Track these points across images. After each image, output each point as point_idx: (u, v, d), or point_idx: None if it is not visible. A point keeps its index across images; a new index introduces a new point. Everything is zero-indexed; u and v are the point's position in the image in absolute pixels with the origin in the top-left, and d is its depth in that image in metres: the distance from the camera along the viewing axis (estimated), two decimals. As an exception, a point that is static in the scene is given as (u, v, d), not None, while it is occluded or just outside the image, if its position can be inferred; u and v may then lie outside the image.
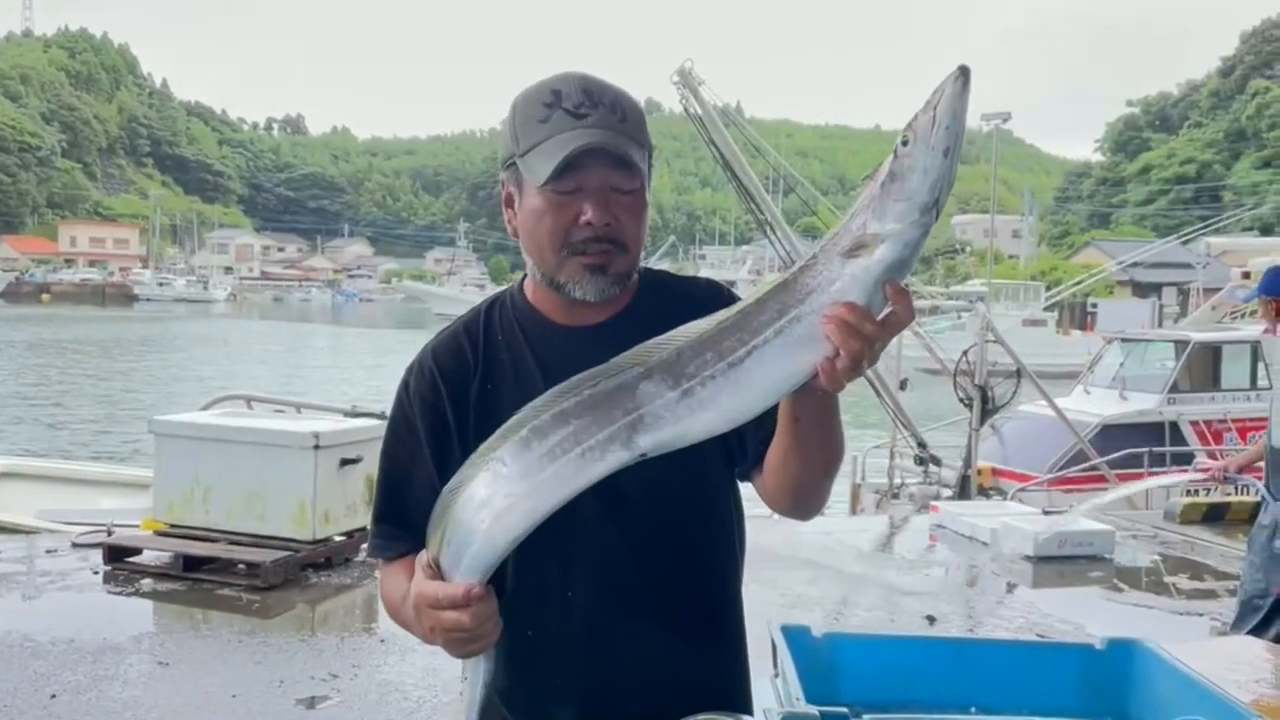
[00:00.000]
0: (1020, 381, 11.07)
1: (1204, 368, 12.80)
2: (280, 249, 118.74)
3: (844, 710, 1.41)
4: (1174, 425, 12.15)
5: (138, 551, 6.05)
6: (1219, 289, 22.16)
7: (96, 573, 5.89)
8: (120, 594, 5.64)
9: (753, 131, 12.63)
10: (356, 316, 74.62)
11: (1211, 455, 10.86)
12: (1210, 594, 6.34)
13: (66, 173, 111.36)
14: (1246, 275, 19.38)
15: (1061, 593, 6.44)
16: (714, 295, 1.54)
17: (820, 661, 1.61)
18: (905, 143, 1.10)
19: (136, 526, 6.43)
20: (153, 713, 4.13)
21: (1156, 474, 10.70)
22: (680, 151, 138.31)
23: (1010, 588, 6.55)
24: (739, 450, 1.46)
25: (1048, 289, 39.87)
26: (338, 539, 6.17)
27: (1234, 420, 12.17)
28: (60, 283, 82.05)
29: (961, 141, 1.10)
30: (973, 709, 1.57)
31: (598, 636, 1.47)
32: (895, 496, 11.11)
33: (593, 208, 1.39)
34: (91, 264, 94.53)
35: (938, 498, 10.14)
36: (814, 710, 1.38)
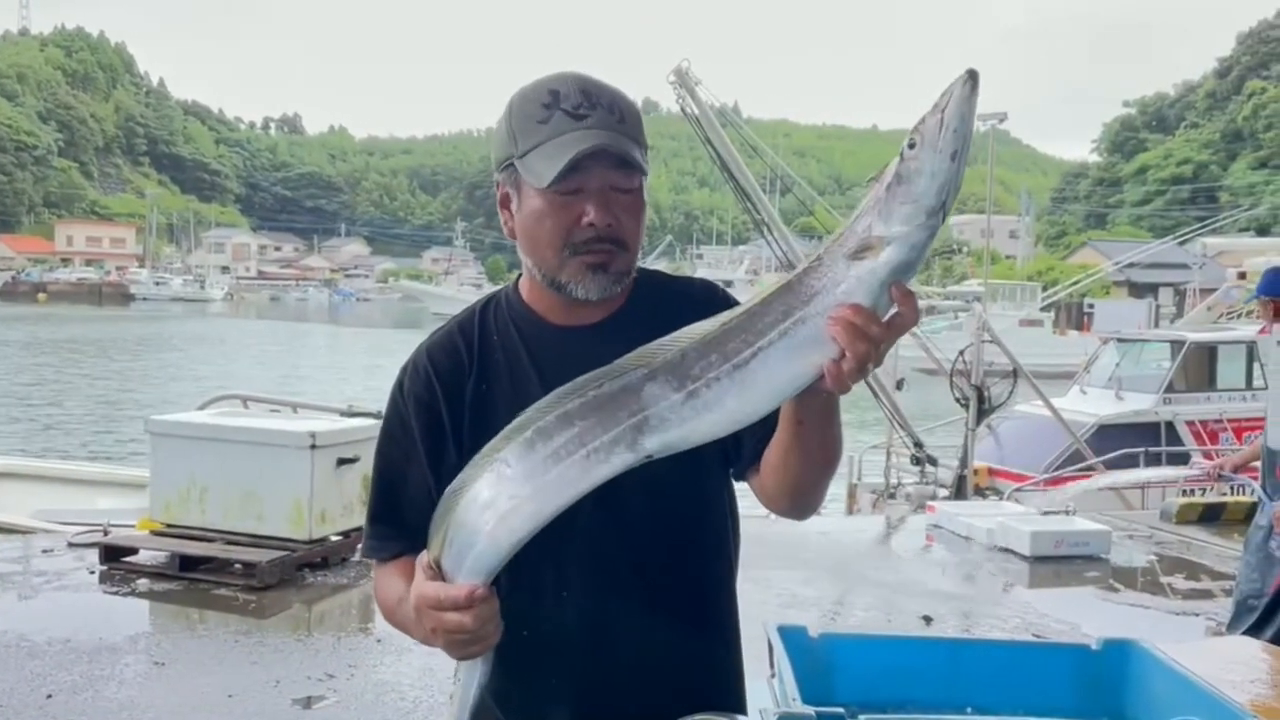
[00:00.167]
0: (1016, 381, 11.08)
1: (1199, 368, 12.82)
2: (277, 248, 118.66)
3: (840, 710, 1.41)
4: (1169, 425, 12.16)
5: (134, 551, 6.04)
6: (1215, 289, 22.20)
7: (93, 572, 5.89)
8: (116, 594, 5.63)
9: (750, 131, 12.65)
10: (353, 316, 74.55)
11: (1207, 455, 10.87)
12: (1206, 594, 6.35)
13: (63, 172, 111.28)
14: (1242, 275, 19.41)
15: (1058, 593, 6.45)
16: (709, 296, 1.54)
17: (816, 662, 1.61)
18: (912, 145, 1.10)
19: (133, 526, 6.42)
20: (149, 713, 4.12)
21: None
22: (678, 151, 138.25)
23: (1006, 588, 6.55)
24: (735, 450, 1.46)
25: (1044, 289, 39.88)
26: (334, 539, 6.16)
27: (1229, 420, 12.19)
28: (56, 282, 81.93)
29: (969, 145, 1.09)
30: (969, 709, 1.57)
31: (593, 636, 1.47)
32: (892, 496, 11.13)
33: (595, 208, 1.39)
34: (88, 263, 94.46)
35: (934, 498, 10.15)
36: (810, 711, 1.38)
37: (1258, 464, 4.80)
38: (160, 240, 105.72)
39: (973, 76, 1.08)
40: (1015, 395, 11.38)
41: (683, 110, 10.64)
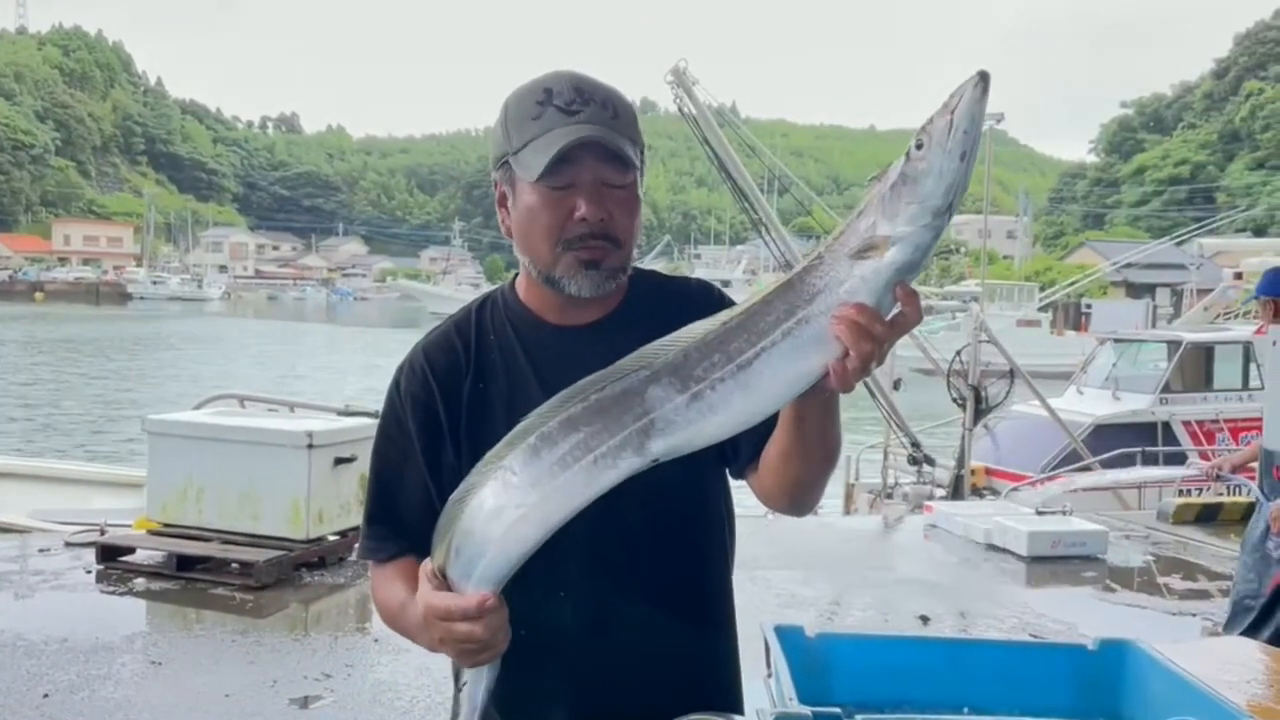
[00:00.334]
0: (1013, 382, 11.09)
1: (1196, 368, 12.83)
2: (275, 248, 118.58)
3: (837, 710, 1.41)
4: (1166, 425, 12.17)
5: (131, 551, 6.03)
6: (1212, 290, 22.22)
7: (89, 572, 5.88)
8: (113, 593, 5.62)
9: (748, 131, 12.66)
10: (351, 315, 74.50)
11: (1204, 455, 10.88)
12: (1203, 594, 6.36)
13: (60, 171, 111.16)
14: (1239, 276, 19.45)
15: (1055, 593, 6.45)
16: (706, 296, 1.54)
17: (813, 661, 1.61)
18: (920, 146, 1.09)
19: (129, 526, 6.41)
20: (145, 712, 4.12)
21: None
22: (675, 151, 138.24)
23: (1004, 588, 6.55)
24: (732, 449, 1.46)
25: (1042, 289, 39.89)
26: (331, 538, 6.16)
27: (1226, 420, 12.20)
28: (54, 281, 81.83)
29: (978, 147, 1.09)
30: (966, 709, 1.57)
31: (591, 635, 1.47)
32: (889, 496, 11.13)
33: (586, 203, 1.39)
34: (85, 262, 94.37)
35: (931, 498, 10.16)
36: (807, 710, 1.38)
37: (1256, 464, 4.81)
38: (158, 239, 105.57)
39: (984, 78, 1.07)
40: (1012, 395, 11.39)
41: (680, 110, 10.63)
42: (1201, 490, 9.43)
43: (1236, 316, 18.18)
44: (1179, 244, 34.77)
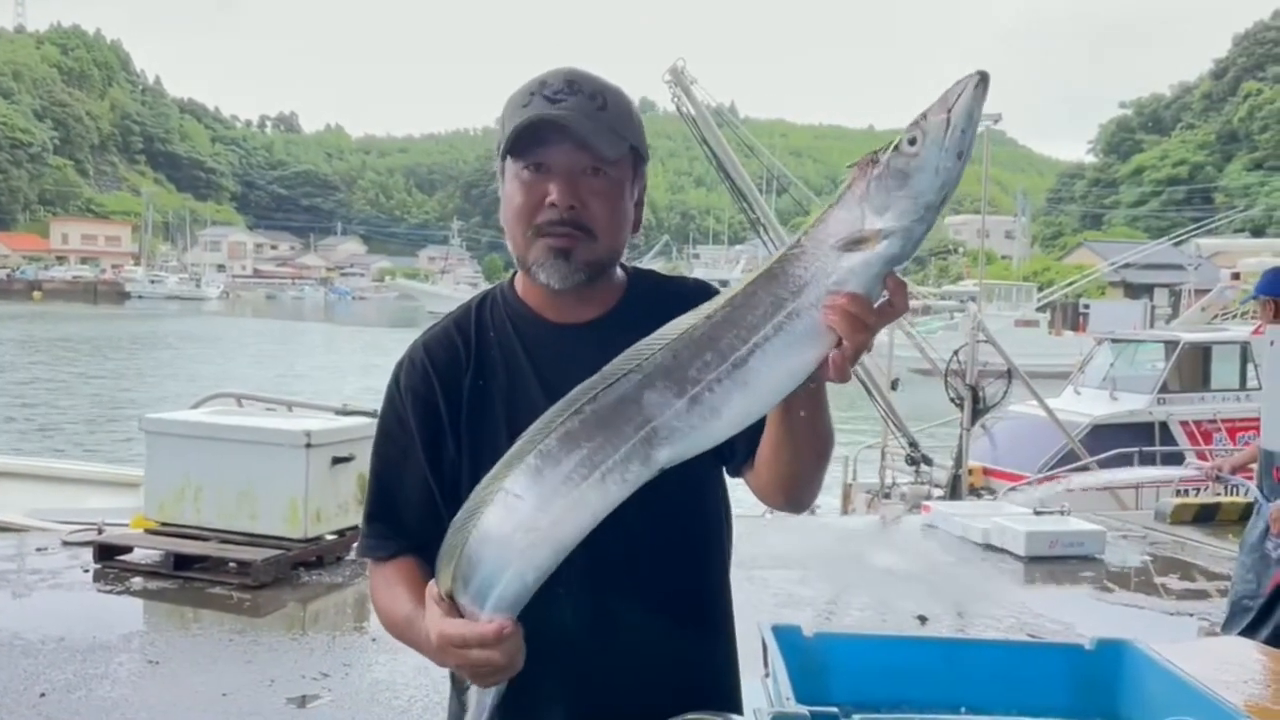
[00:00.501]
0: (1011, 382, 11.10)
1: (1194, 368, 12.84)
2: (273, 247, 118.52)
3: (834, 710, 1.41)
4: (1164, 425, 12.18)
5: (128, 550, 6.03)
6: (1210, 290, 22.24)
7: (87, 571, 5.87)
8: (110, 592, 5.62)
9: (746, 131, 12.66)
10: (349, 315, 74.49)
11: (1201, 455, 10.89)
12: (1201, 594, 6.36)
13: (58, 169, 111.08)
14: (1236, 276, 19.46)
15: (1052, 593, 6.46)
16: (703, 296, 1.53)
17: (811, 661, 1.61)
18: (913, 141, 1.08)
19: (127, 525, 6.41)
20: (142, 711, 4.12)
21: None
22: (674, 151, 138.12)
23: (1001, 588, 6.55)
24: (728, 448, 1.45)
25: (1040, 290, 39.93)
26: (329, 538, 6.15)
27: (1223, 420, 12.21)
28: (52, 280, 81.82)
29: (973, 146, 1.09)
30: (963, 709, 1.57)
31: (590, 634, 1.47)
32: (887, 496, 11.14)
33: (557, 188, 1.40)
34: (83, 261, 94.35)
35: (929, 498, 10.16)
36: (804, 710, 1.38)
37: (1255, 465, 4.81)
38: (156, 238, 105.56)
39: (984, 78, 1.07)
40: (1010, 395, 11.39)
41: (679, 110, 10.63)
42: (1199, 490, 9.44)
43: (1234, 317, 18.21)
44: (1177, 244, 34.83)
